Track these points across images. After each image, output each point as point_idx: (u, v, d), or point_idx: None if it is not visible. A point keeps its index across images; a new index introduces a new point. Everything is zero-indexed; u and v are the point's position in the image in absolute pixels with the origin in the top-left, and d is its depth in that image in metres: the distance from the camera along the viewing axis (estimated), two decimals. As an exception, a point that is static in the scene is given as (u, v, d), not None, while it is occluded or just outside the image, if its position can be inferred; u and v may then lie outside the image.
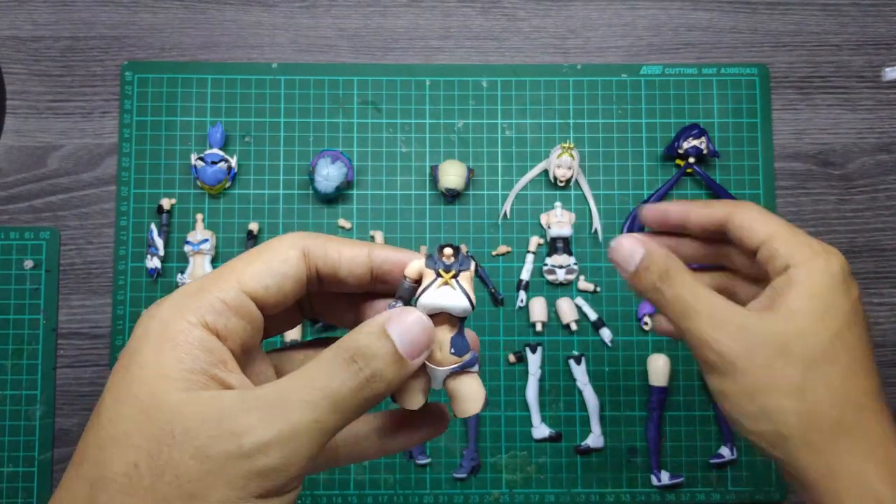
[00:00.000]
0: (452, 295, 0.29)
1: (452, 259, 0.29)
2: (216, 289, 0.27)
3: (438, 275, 0.29)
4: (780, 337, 0.35)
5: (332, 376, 0.26)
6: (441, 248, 0.30)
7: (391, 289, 0.31)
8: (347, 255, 0.30)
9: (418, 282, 0.30)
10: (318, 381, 0.26)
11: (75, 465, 0.25)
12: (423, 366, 0.30)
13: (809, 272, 0.35)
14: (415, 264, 0.30)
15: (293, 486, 0.25)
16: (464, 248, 0.59)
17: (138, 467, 0.24)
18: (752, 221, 0.38)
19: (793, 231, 0.37)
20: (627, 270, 0.39)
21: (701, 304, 0.36)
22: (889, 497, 0.33)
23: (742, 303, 0.41)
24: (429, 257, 0.30)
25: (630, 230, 0.67)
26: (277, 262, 0.28)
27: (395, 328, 0.27)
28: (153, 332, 0.26)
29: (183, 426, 0.24)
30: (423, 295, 0.29)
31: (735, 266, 0.42)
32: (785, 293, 0.36)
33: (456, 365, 0.30)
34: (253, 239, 0.67)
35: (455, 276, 0.29)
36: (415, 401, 0.30)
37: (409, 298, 0.30)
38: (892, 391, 0.68)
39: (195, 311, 0.26)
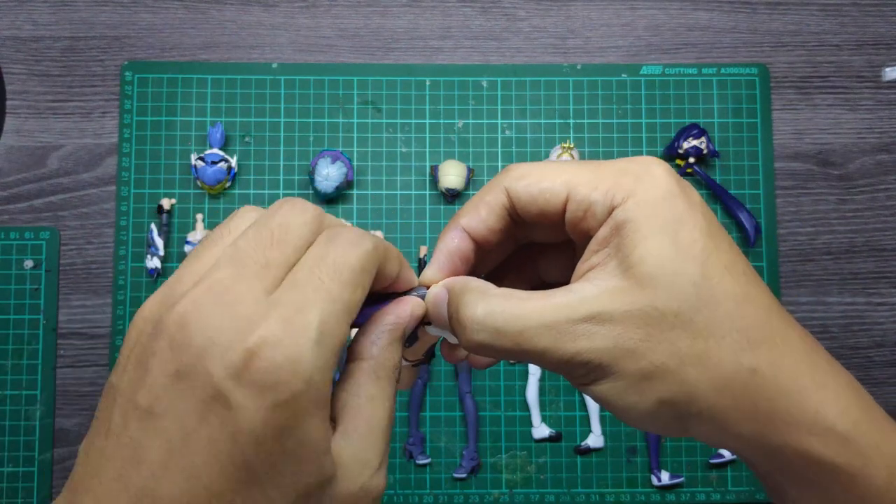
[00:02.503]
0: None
1: None
2: (338, 344, 0.26)
3: None
4: (641, 304, 0.26)
5: (387, 414, 0.29)
6: None
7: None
8: (391, 272, 0.30)
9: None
10: (387, 432, 0.29)
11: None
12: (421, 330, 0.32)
13: (638, 205, 0.27)
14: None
15: None
16: None
17: None
18: (540, 184, 0.29)
19: (593, 167, 0.29)
20: (447, 328, 0.30)
21: (524, 322, 0.27)
22: (845, 424, 0.26)
23: (556, 275, 0.34)
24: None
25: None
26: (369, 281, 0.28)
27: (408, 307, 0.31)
28: (312, 404, 0.24)
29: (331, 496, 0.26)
30: (432, 326, 0.32)
31: (535, 238, 0.33)
32: (619, 243, 0.27)
33: (414, 362, 0.33)
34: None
35: None
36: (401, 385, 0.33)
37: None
38: (892, 391, 0.68)
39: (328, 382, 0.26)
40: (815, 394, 0.27)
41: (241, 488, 0.24)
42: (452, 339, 0.31)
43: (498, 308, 0.27)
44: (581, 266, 0.28)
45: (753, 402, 0.26)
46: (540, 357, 0.27)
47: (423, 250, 0.67)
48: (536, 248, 0.33)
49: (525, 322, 0.27)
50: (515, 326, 0.27)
